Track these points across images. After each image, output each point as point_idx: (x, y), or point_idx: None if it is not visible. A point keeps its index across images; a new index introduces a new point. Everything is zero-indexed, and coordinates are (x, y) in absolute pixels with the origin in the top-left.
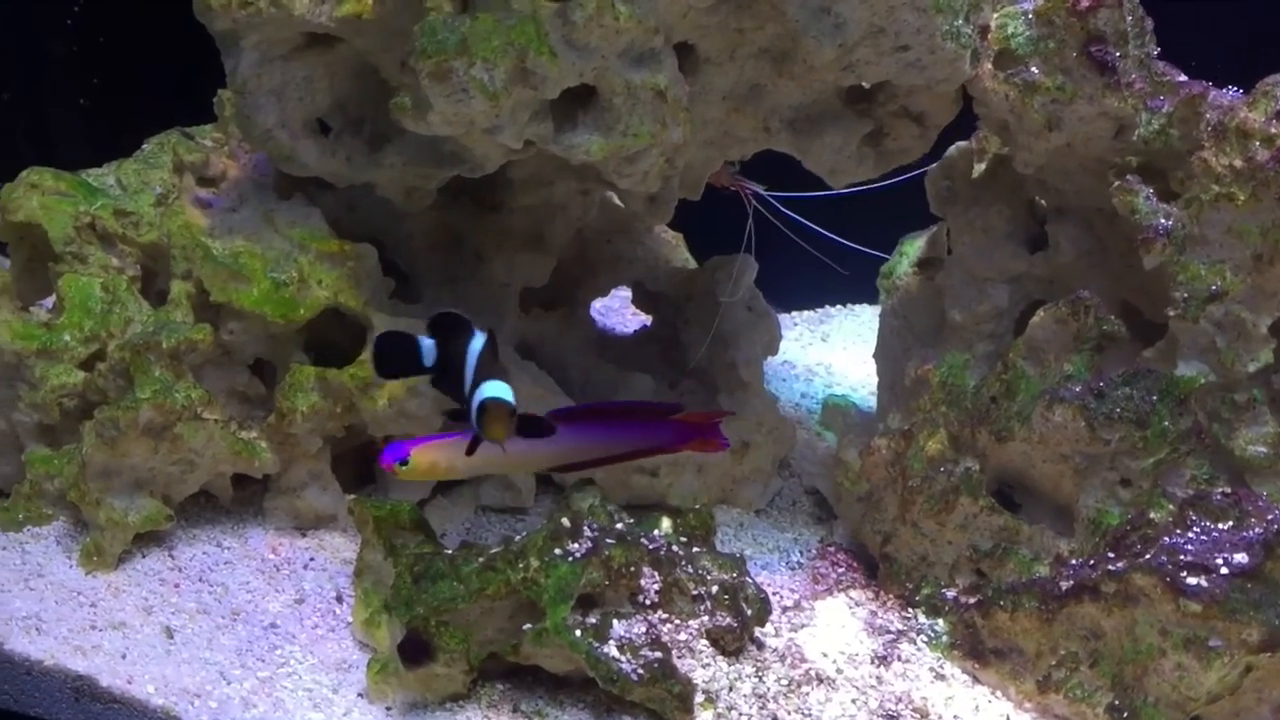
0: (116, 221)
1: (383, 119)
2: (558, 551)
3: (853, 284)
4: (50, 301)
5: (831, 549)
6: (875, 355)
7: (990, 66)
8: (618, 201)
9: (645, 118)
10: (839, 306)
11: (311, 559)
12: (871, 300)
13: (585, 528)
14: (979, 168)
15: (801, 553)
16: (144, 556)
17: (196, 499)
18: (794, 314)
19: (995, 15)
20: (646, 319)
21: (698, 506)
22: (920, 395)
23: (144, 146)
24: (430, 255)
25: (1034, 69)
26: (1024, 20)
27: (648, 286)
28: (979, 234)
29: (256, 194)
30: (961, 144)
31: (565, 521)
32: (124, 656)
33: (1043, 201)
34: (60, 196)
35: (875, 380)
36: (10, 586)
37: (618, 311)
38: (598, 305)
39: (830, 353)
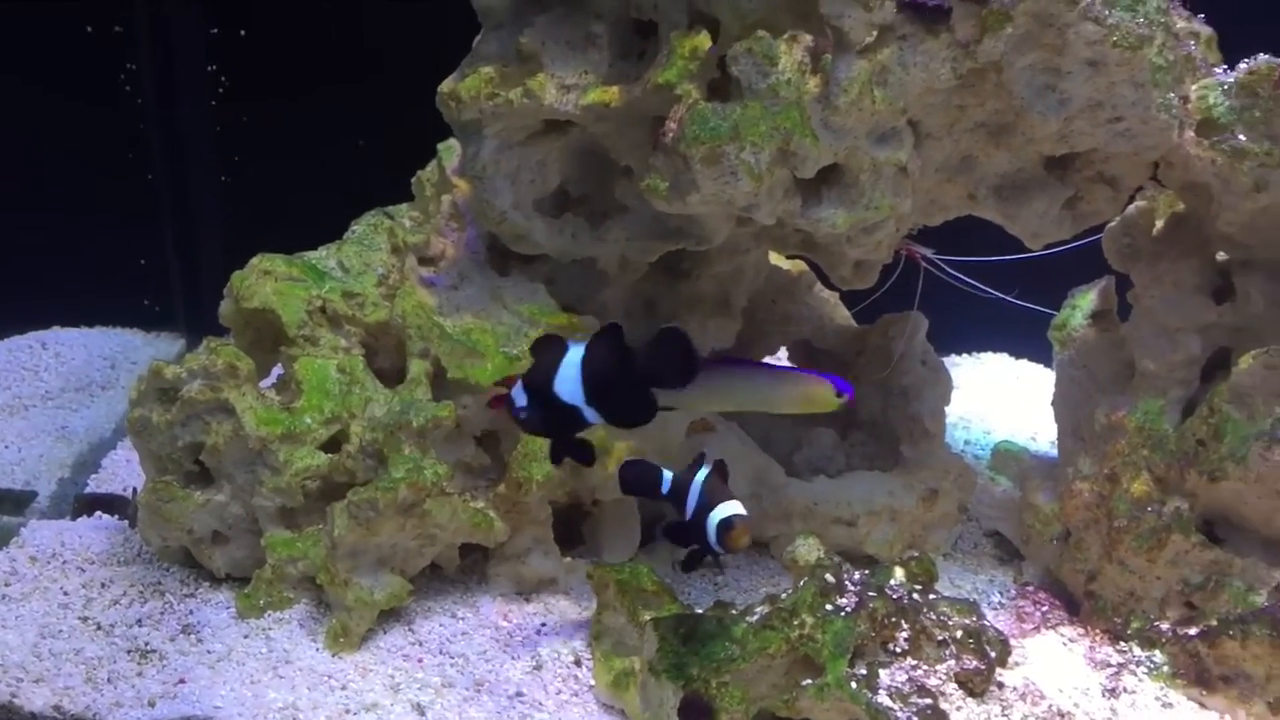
0: (345, 303)
1: (603, 196)
2: (829, 607)
3: (976, 334)
4: (269, 382)
5: (1030, 588)
6: (1054, 403)
7: (1192, 134)
8: (779, 264)
9: (886, 191)
10: (964, 355)
11: (542, 624)
12: (995, 349)
13: (847, 582)
14: (1158, 225)
15: (1000, 593)
16: (385, 633)
17: (423, 571)
18: None
19: (1194, 87)
20: None
21: (917, 555)
22: (1114, 440)
23: (354, 228)
24: (625, 323)
25: (1241, 136)
26: (1223, 91)
27: (815, 344)
28: (1168, 288)
29: (478, 272)
30: (1140, 203)
31: (829, 577)
32: None
33: (1223, 255)
34: (293, 282)
35: (1027, 427)
36: (261, 676)
37: None
38: None
39: (971, 401)
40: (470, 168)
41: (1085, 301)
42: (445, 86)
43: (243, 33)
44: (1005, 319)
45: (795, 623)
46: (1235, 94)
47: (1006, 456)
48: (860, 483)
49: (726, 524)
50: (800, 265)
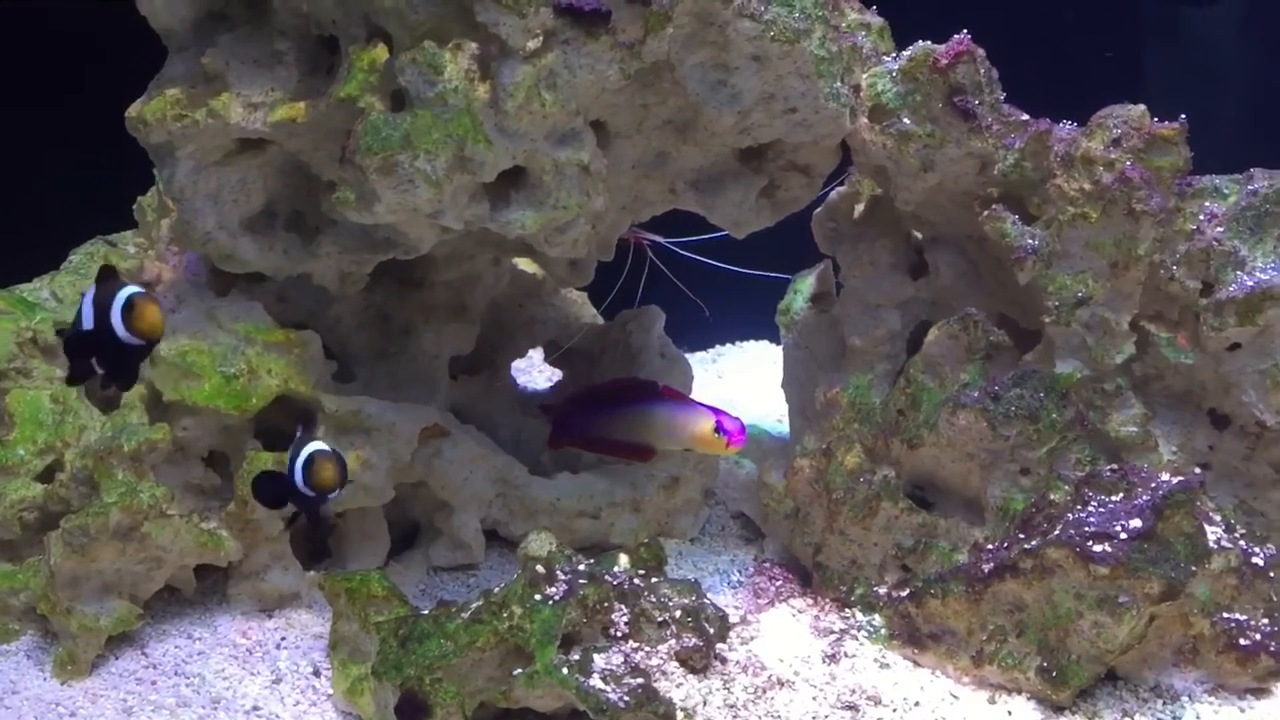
0: (57, 334)
1: (314, 212)
2: (537, 597)
3: (740, 322)
4: None
5: (766, 565)
6: (783, 385)
7: (866, 120)
8: (524, 269)
9: (572, 190)
10: (729, 345)
11: (282, 638)
12: (758, 336)
13: (558, 572)
14: (858, 208)
15: (739, 572)
16: (117, 658)
17: (161, 594)
18: (688, 355)
19: (865, 75)
20: (558, 374)
21: (647, 541)
22: (831, 416)
23: (71, 258)
24: (360, 335)
25: (906, 120)
26: (890, 78)
27: (562, 344)
28: (867, 267)
29: (195, 293)
30: (840, 188)
31: (540, 569)
32: None
33: (918, 233)
34: (0, 315)
35: (777, 410)
36: None
37: (525, 371)
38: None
39: (728, 389)
40: (168, 190)
41: (805, 285)
42: (132, 110)
43: None
44: (768, 308)
45: (505, 615)
46: (900, 80)
47: (748, 439)
48: (602, 476)
49: (308, 461)
50: None
